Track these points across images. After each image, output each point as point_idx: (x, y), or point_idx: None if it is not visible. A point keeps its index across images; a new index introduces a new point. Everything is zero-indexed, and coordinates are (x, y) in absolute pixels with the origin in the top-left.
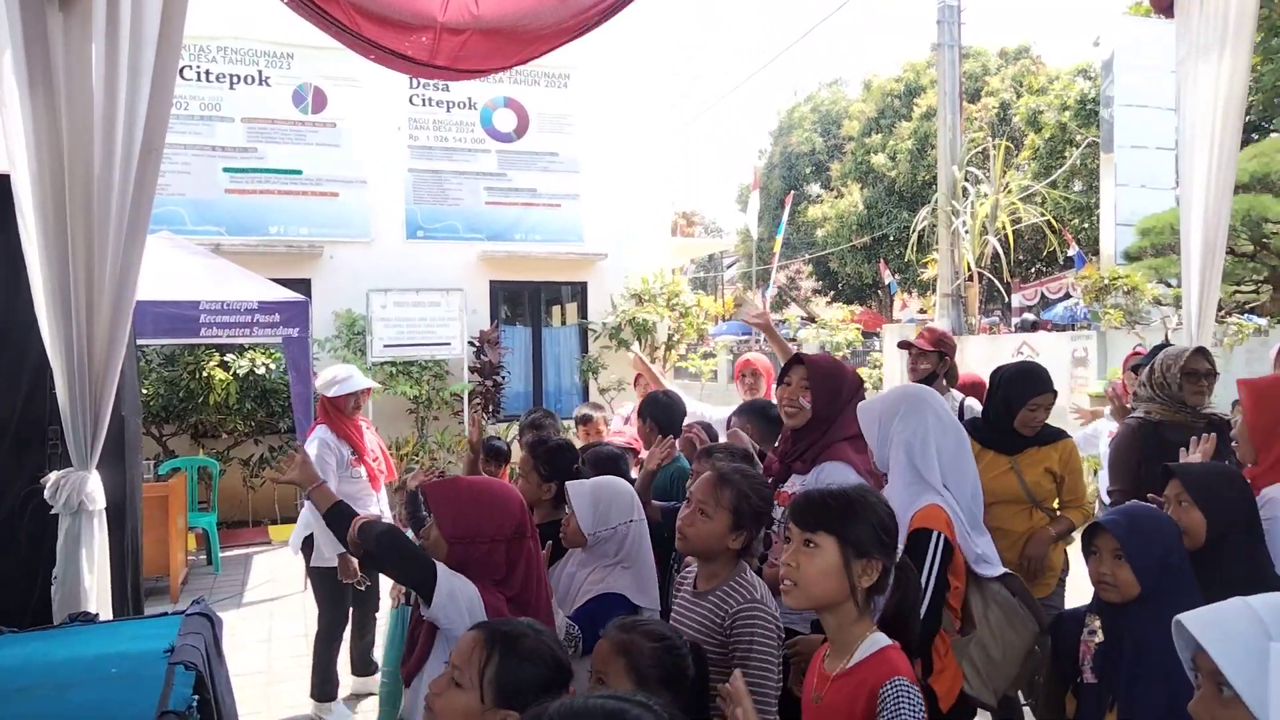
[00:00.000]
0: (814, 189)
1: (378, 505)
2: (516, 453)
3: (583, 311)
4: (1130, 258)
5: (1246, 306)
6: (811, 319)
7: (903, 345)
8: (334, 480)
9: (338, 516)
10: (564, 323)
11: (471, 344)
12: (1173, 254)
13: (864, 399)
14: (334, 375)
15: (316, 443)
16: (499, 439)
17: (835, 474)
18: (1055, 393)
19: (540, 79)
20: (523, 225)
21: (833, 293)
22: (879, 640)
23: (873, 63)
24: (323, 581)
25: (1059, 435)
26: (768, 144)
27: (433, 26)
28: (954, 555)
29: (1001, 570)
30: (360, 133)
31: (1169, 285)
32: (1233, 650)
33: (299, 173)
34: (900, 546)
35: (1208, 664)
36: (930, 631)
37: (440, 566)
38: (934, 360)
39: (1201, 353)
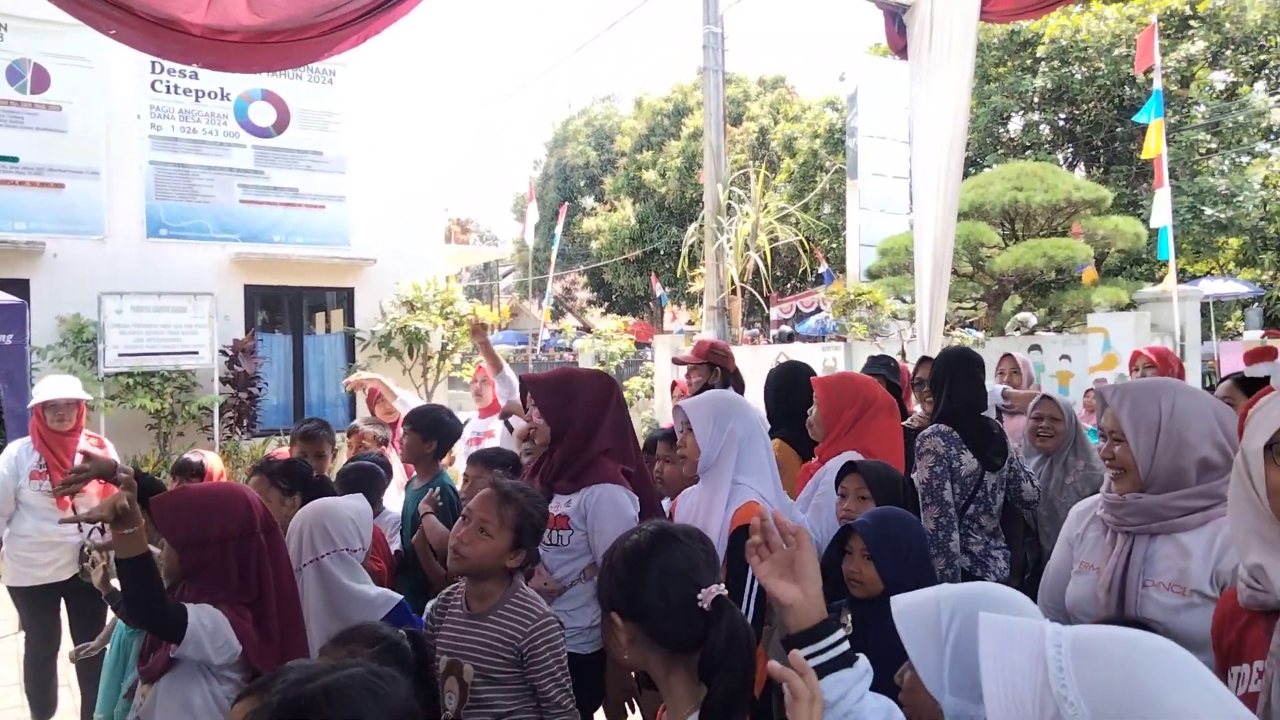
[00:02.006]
0: (588, 201)
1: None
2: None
3: (349, 319)
4: (872, 276)
5: (967, 321)
6: (587, 329)
7: (676, 361)
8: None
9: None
10: (329, 330)
11: (224, 353)
12: (907, 273)
13: (615, 401)
14: (39, 387)
15: (6, 454)
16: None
17: (607, 499)
18: None
19: (303, 73)
20: (283, 226)
21: (607, 304)
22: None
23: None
24: (22, 601)
25: None
26: (543, 155)
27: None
28: None
29: None
30: (91, 118)
31: (904, 301)
32: (912, 629)
33: (15, 160)
34: (707, 594)
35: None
36: (759, 623)
37: (190, 610)
38: (705, 371)
39: (927, 362)
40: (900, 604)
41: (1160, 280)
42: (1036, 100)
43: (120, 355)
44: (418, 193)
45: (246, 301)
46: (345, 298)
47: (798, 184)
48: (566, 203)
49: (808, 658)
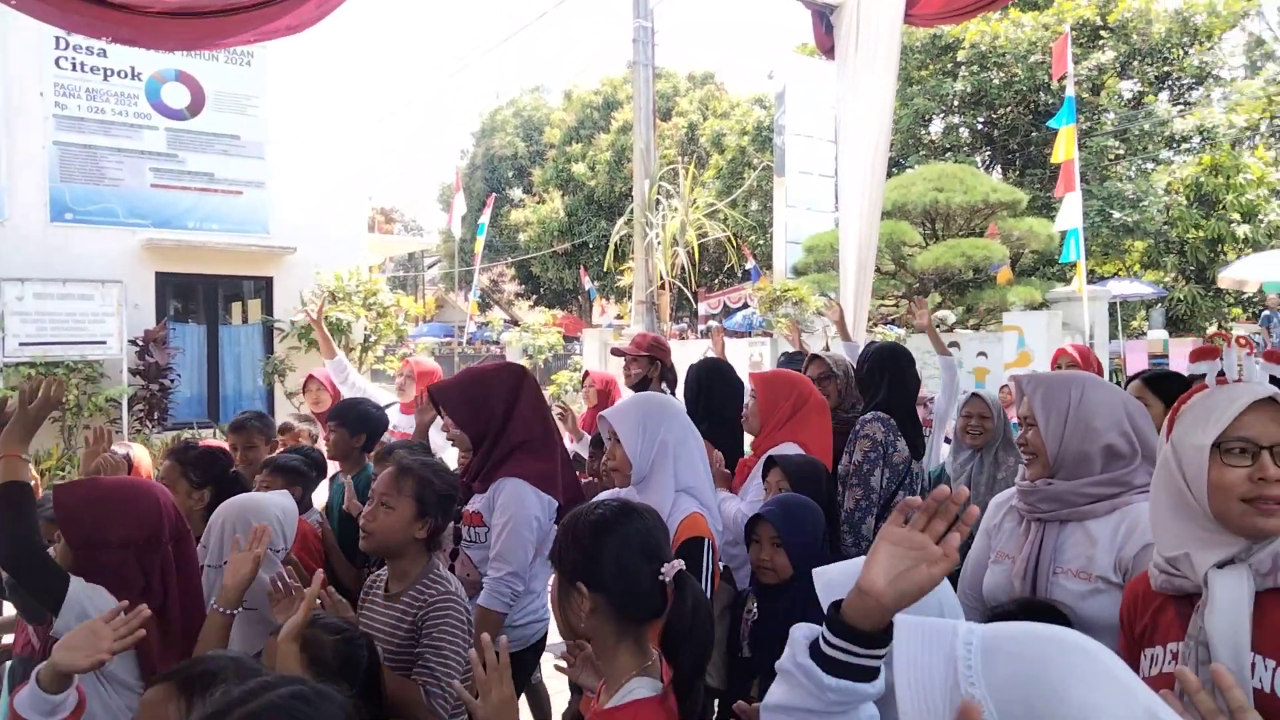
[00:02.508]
0: (516, 193)
1: None
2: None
3: (268, 309)
4: (798, 272)
5: (889, 318)
6: (515, 322)
7: (615, 352)
8: None
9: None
10: (246, 321)
11: (134, 343)
12: (833, 270)
13: (527, 392)
14: None
15: None
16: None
17: (508, 492)
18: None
19: (219, 54)
20: (197, 212)
21: (535, 297)
22: (636, 689)
23: (574, 73)
24: None
25: None
26: (470, 145)
27: None
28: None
29: None
30: None
31: (829, 298)
32: (835, 590)
33: None
34: (670, 568)
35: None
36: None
37: (74, 581)
38: (645, 364)
39: (818, 360)
40: (826, 578)
41: (1071, 281)
42: (957, 103)
43: (21, 345)
44: (340, 180)
45: (158, 290)
46: (263, 287)
47: (726, 180)
48: (494, 194)
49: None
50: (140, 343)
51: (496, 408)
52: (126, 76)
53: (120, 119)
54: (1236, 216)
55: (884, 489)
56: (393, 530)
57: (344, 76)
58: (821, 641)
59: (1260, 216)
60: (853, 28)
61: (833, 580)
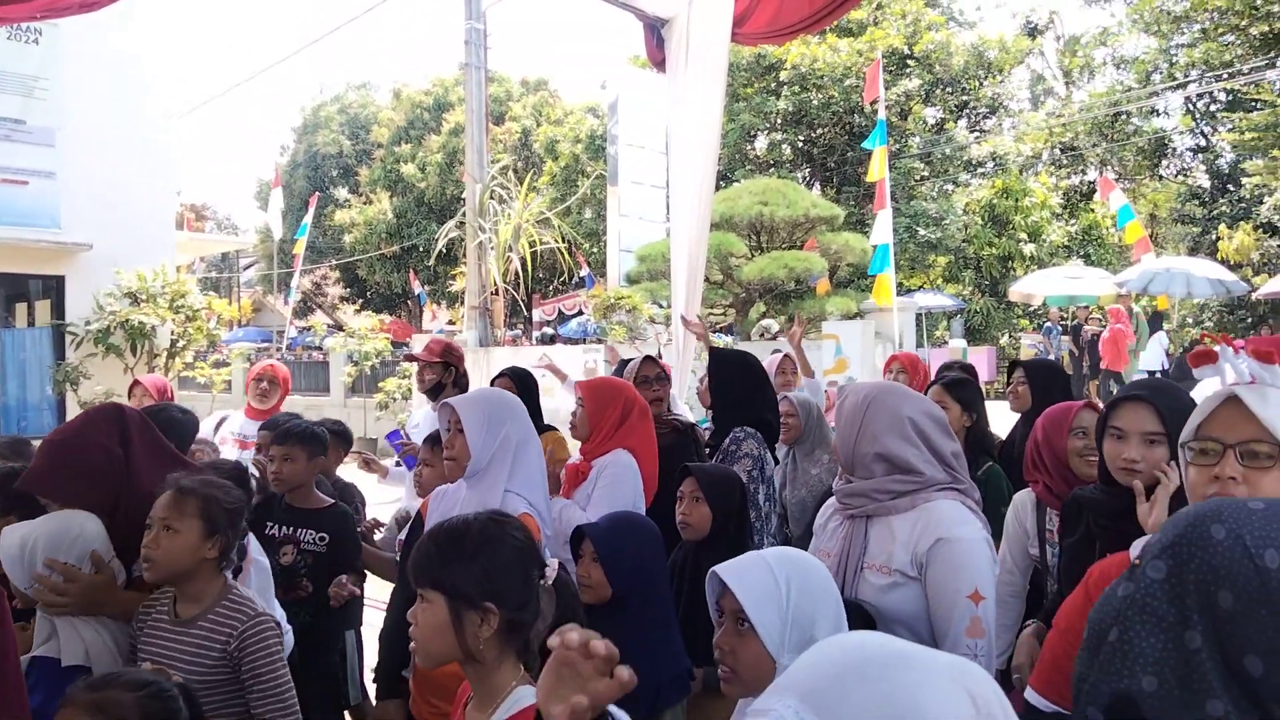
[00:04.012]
0: (342, 193)
1: None
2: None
3: (59, 311)
4: (631, 281)
5: (718, 327)
6: (339, 327)
7: (408, 358)
8: None
9: None
10: (32, 324)
11: None
12: (664, 279)
13: (138, 430)
14: None
15: None
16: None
17: None
18: None
19: (1, 30)
20: None
21: (361, 301)
22: (523, 697)
23: (403, 71)
24: None
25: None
26: (291, 140)
27: None
28: None
29: None
30: None
31: (661, 306)
32: (751, 591)
33: None
34: (551, 571)
35: (731, 604)
36: None
37: None
38: (439, 370)
39: (650, 360)
40: (731, 572)
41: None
42: (780, 121)
43: None
44: (144, 173)
45: None
46: (53, 287)
47: (560, 187)
48: (318, 193)
49: None
50: None
51: (109, 468)
52: None
53: None
54: (1024, 236)
55: (765, 505)
56: (180, 553)
57: (150, 61)
58: None
59: (1044, 236)
60: (683, 42)
61: (734, 571)
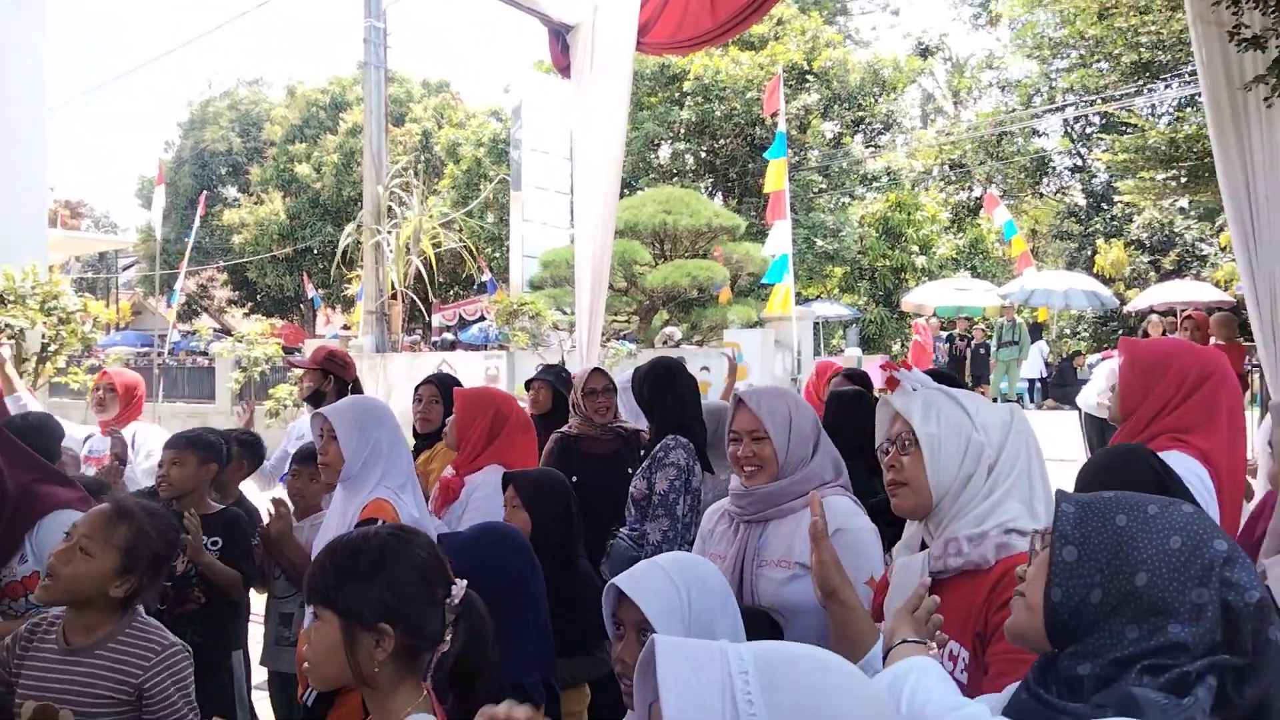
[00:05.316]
0: (231, 192)
1: None
2: None
3: None
4: (535, 286)
5: (621, 334)
6: (227, 331)
7: (288, 364)
8: None
9: None
10: None
11: None
12: (568, 285)
13: None
14: None
15: None
16: None
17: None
18: None
19: None
20: None
21: (251, 304)
22: None
23: (298, 68)
24: None
25: None
26: (177, 136)
27: None
28: None
29: None
30: None
31: (565, 313)
32: (653, 601)
33: None
34: (459, 591)
35: (632, 616)
36: None
37: None
38: (318, 378)
39: (599, 373)
40: (631, 582)
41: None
42: (683, 131)
43: None
44: (13, 167)
45: None
46: None
47: (462, 191)
48: (205, 191)
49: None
50: None
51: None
52: None
53: None
54: (916, 248)
55: (685, 517)
56: (84, 581)
57: (17, 49)
58: None
59: (934, 249)
60: (588, 49)
61: (633, 581)
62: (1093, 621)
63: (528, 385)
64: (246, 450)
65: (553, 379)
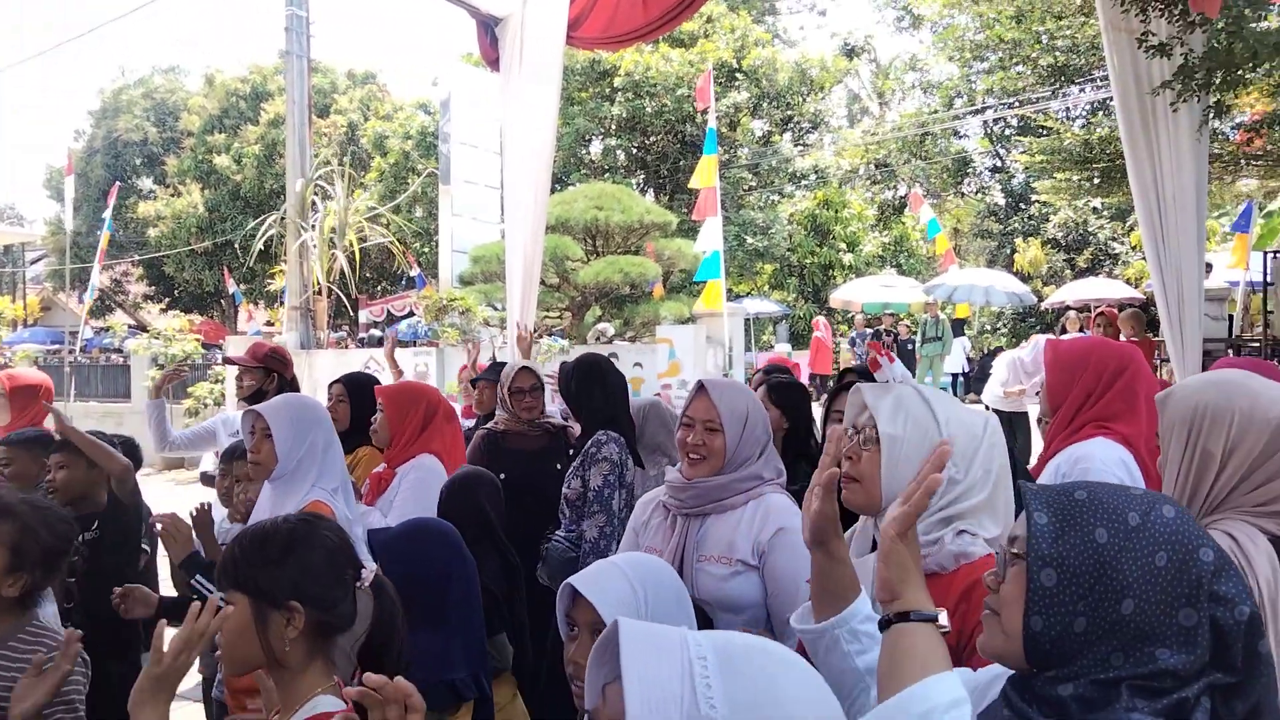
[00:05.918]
0: (146, 183)
1: None
2: None
3: None
4: (464, 282)
5: (553, 330)
6: (142, 328)
7: (227, 361)
8: None
9: None
10: None
11: None
12: (499, 281)
13: None
14: None
15: None
16: None
17: None
18: None
19: None
20: None
21: (168, 299)
22: (321, 705)
23: (217, 56)
24: None
25: None
26: (88, 125)
27: None
28: None
29: None
30: None
31: (495, 308)
32: (610, 602)
33: None
34: (368, 574)
35: (587, 616)
36: None
37: None
38: (260, 376)
39: (527, 371)
40: (587, 582)
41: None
42: (614, 127)
43: None
44: None
45: None
46: None
47: (389, 184)
48: (119, 182)
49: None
50: None
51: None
52: None
53: None
54: (843, 246)
55: (620, 512)
56: None
57: None
58: None
59: (860, 246)
60: (517, 42)
61: (589, 581)
62: (1076, 650)
63: (474, 383)
64: (126, 452)
65: (497, 378)
